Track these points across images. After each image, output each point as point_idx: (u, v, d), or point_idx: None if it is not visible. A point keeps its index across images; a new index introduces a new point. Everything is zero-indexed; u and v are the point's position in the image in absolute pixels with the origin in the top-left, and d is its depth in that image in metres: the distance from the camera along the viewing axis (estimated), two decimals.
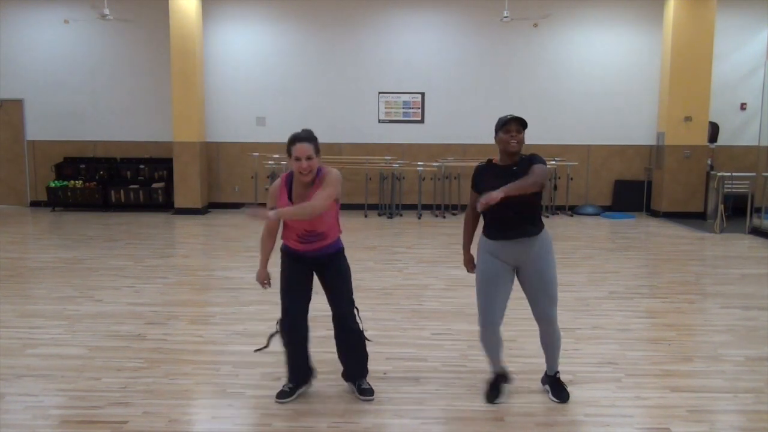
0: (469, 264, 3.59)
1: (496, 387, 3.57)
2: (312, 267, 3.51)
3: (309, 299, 3.57)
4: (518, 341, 4.44)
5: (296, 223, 3.35)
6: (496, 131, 3.38)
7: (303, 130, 3.39)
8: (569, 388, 3.64)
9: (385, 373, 3.87)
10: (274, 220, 3.29)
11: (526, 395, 3.60)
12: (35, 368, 3.93)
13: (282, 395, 3.51)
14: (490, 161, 3.48)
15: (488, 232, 3.41)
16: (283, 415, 3.35)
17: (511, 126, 3.32)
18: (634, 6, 10.98)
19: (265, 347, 3.72)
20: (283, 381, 3.71)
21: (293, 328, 3.52)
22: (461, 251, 3.65)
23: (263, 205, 10.34)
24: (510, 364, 4.02)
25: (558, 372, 3.62)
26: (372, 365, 3.94)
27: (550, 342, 3.53)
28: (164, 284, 6.09)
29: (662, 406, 3.49)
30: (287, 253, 3.51)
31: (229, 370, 3.91)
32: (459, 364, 4.05)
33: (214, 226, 9.76)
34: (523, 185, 3.14)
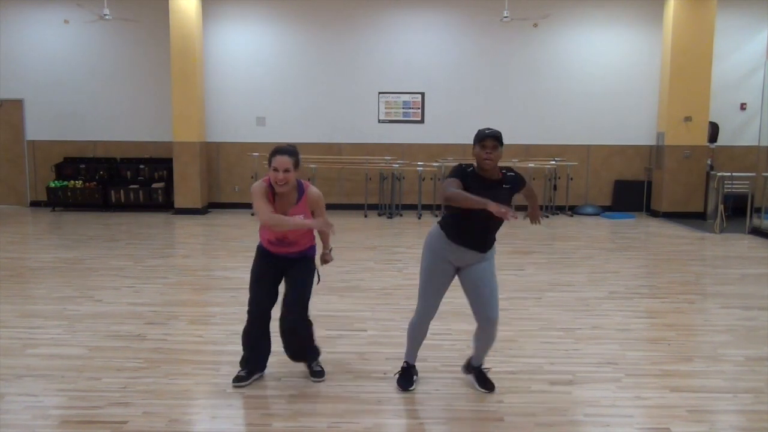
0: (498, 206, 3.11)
1: (409, 376, 3.68)
2: (279, 266, 3.68)
3: (275, 295, 3.71)
4: (518, 341, 4.44)
5: (269, 231, 3.56)
6: (474, 143, 3.34)
7: (287, 145, 3.54)
8: (567, 387, 3.64)
9: (385, 373, 3.87)
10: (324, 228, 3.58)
11: (526, 395, 3.60)
12: (35, 368, 3.93)
13: (238, 380, 3.68)
14: (474, 169, 3.38)
15: (450, 234, 3.41)
16: (283, 415, 3.35)
17: (487, 143, 3.28)
18: (634, 6, 10.99)
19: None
20: (284, 380, 3.74)
21: (258, 319, 3.70)
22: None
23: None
24: (509, 364, 4.04)
25: (482, 365, 3.71)
26: (372, 365, 3.95)
27: (485, 340, 3.58)
28: (164, 284, 6.09)
29: (662, 406, 3.49)
30: (260, 251, 3.73)
31: (229, 370, 3.91)
32: (459, 364, 4.04)
33: (214, 226, 9.76)
34: (536, 202, 3.68)
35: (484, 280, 3.44)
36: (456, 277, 3.53)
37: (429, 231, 3.56)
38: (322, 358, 3.96)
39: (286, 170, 3.39)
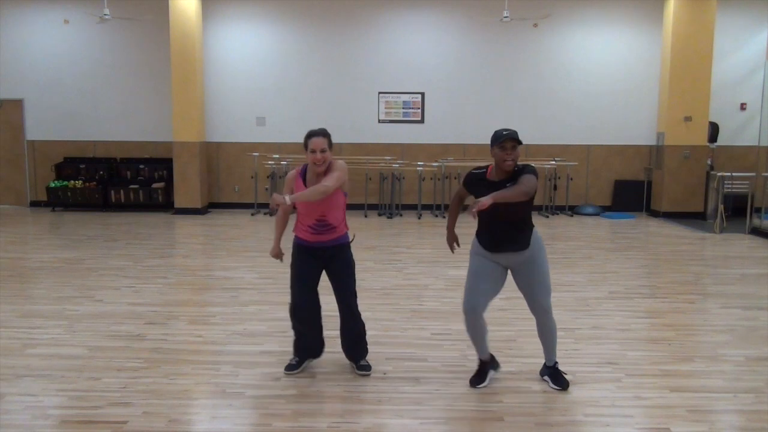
0: (452, 242, 3.77)
1: (482, 373, 3.73)
2: (320, 260, 3.78)
3: (316, 287, 3.84)
4: (517, 341, 4.44)
5: (309, 213, 3.67)
6: (492, 144, 3.40)
7: (318, 128, 3.80)
8: (568, 388, 3.64)
9: (385, 373, 3.87)
10: (288, 205, 3.51)
11: (526, 395, 3.60)
12: (35, 368, 3.93)
13: (290, 368, 3.86)
14: (484, 172, 3.50)
15: (480, 241, 3.59)
16: (283, 415, 3.35)
17: (507, 144, 3.34)
18: (634, 6, 10.99)
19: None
20: (284, 380, 3.75)
21: (302, 315, 3.83)
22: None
23: (266, 205, 10.33)
24: (509, 364, 4.04)
25: (557, 362, 3.73)
26: (372, 365, 3.95)
27: (547, 332, 3.66)
28: (164, 284, 6.09)
29: (662, 406, 3.49)
30: (298, 247, 3.80)
31: (229, 370, 3.91)
32: (459, 364, 4.05)
33: (214, 226, 9.76)
34: (511, 194, 3.25)
35: (533, 280, 3.53)
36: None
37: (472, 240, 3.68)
38: (324, 357, 3.98)
39: (323, 150, 3.63)
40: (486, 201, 3.14)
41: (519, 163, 3.45)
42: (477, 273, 3.56)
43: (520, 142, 3.36)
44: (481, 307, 3.57)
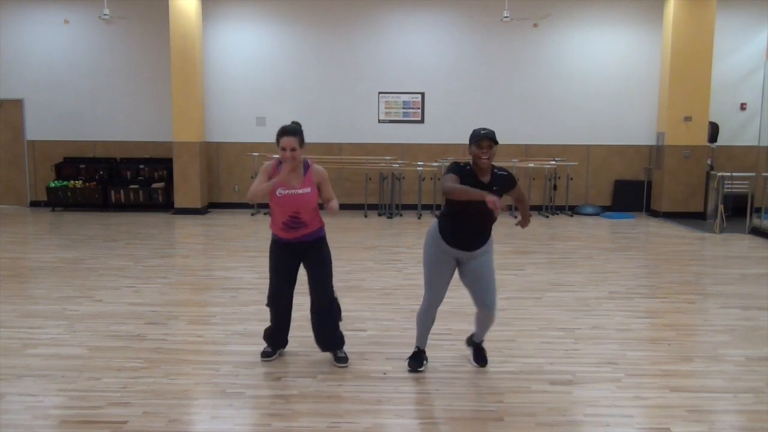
0: (492, 198, 3.25)
1: (419, 358, 3.92)
2: (296, 254, 3.91)
3: (294, 280, 3.97)
4: (517, 341, 4.44)
5: (283, 210, 3.78)
6: (470, 143, 3.54)
7: (292, 122, 3.91)
8: (567, 387, 3.65)
9: (385, 373, 3.87)
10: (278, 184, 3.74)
11: (526, 395, 3.60)
12: (35, 368, 3.93)
13: (266, 355, 4.07)
14: (471, 169, 3.59)
15: (443, 233, 3.67)
16: (282, 415, 3.35)
17: (483, 143, 3.50)
18: (634, 6, 10.99)
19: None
20: (284, 380, 3.76)
21: (279, 303, 3.98)
22: None
23: (266, 205, 10.31)
24: (509, 364, 4.04)
25: (482, 341, 4.02)
26: (372, 365, 3.96)
27: (484, 323, 3.86)
28: (164, 284, 6.09)
29: (662, 406, 3.49)
30: (275, 242, 3.95)
31: (229, 370, 3.91)
32: (459, 364, 4.05)
33: (214, 226, 9.75)
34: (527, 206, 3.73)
35: (481, 273, 3.68)
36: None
37: (429, 226, 3.81)
38: (324, 357, 3.97)
39: (293, 149, 3.73)
40: (502, 204, 3.23)
41: (504, 169, 3.66)
42: (432, 266, 3.72)
43: (496, 142, 3.52)
44: (440, 301, 3.82)
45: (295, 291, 3.99)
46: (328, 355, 4.08)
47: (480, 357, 3.99)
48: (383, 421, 3.31)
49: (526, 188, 10.81)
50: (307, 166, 3.87)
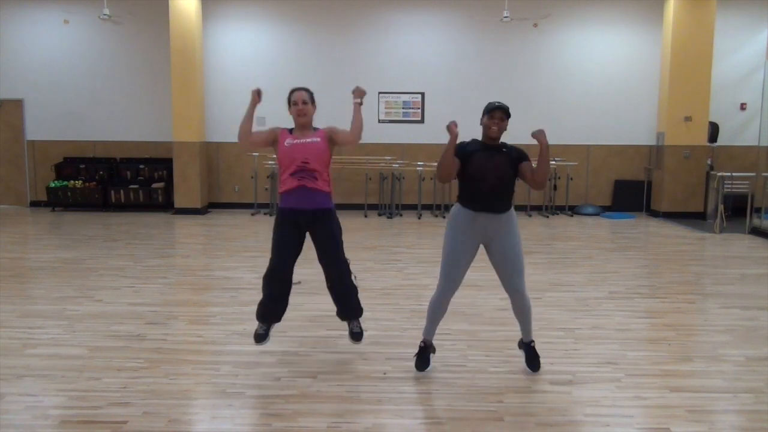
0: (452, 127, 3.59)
1: (425, 356, 3.88)
2: (304, 227, 3.88)
3: (296, 256, 3.93)
4: (517, 341, 4.43)
5: (293, 157, 3.79)
6: (483, 114, 3.67)
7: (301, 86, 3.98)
8: (567, 387, 3.65)
9: (385, 373, 3.87)
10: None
11: (526, 395, 3.60)
12: (35, 368, 3.93)
13: (260, 338, 3.97)
14: (473, 139, 3.74)
15: (464, 201, 3.70)
16: (282, 415, 3.35)
17: (495, 114, 3.63)
18: (634, 6, 10.99)
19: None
20: (284, 380, 3.74)
21: (278, 282, 3.90)
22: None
23: (266, 205, 10.24)
24: (509, 364, 4.04)
25: (533, 341, 3.91)
26: (372, 365, 3.95)
27: (521, 311, 3.80)
28: (164, 284, 6.09)
29: (662, 406, 3.49)
30: (281, 212, 3.90)
31: (229, 370, 3.91)
32: (459, 364, 4.05)
33: (214, 226, 9.76)
34: (548, 158, 3.66)
35: (508, 255, 3.66)
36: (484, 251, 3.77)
37: (451, 209, 3.82)
38: (324, 357, 3.97)
39: (304, 102, 3.84)
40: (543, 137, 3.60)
41: (514, 144, 3.75)
42: (454, 255, 3.67)
43: (509, 115, 3.64)
44: (456, 288, 3.77)
45: (293, 291, 3.98)
46: (328, 355, 4.08)
47: (533, 361, 3.86)
48: (383, 421, 3.31)
49: (527, 189, 10.80)
50: (317, 130, 3.94)
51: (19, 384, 3.70)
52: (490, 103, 3.66)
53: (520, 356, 4.13)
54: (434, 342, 3.97)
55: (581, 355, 4.24)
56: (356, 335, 4.05)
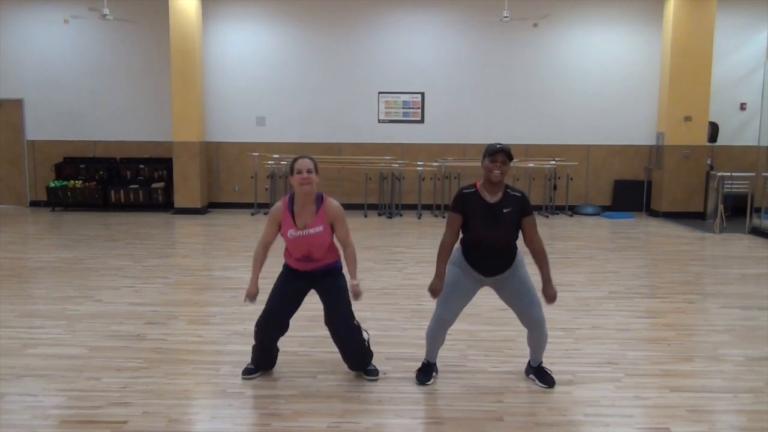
0: (438, 291, 3.54)
1: (428, 371, 3.78)
2: (308, 283, 3.75)
3: (295, 307, 3.78)
4: (517, 341, 4.43)
5: (296, 249, 3.65)
6: (484, 157, 3.49)
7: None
8: (567, 387, 3.65)
9: (385, 373, 3.87)
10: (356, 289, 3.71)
11: (526, 395, 3.60)
12: (35, 368, 3.93)
13: (247, 372, 3.82)
14: (475, 188, 3.53)
15: (467, 257, 3.56)
16: (282, 415, 3.35)
17: (498, 157, 3.44)
18: (634, 6, 10.99)
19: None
20: (284, 380, 3.75)
21: (271, 330, 3.74)
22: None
23: (266, 205, 10.25)
24: (509, 364, 4.04)
25: (542, 362, 3.78)
26: (378, 368, 3.92)
27: (539, 341, 3.69)
28: (164, 284, 6.09)
29: (662, 406, 3.49)
30: (286, 269, 3.80)
31: (229, 370, 3.91)
32: (459, 364, 4.05)
33: (214, 226, 9.76)
34: (548, 265, 3.56)
35: (520, 293, 3.57)
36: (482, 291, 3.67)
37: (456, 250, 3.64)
38: (323, 357, 3.97)
39: (309, 171, 3.58)
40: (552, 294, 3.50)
41: (519, 190, 3.59)
42: (454, 286, 3.57)
43: (511, 158, 3.48)
44: (452, 322, 3.67)
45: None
46: (328, 355, 4.08)
47: (546, 378, 3.72)
48: (383, 421, 3.31)
49: (526, 188, 10.81)
50: (320, 201, 3.67)
51: (19, 384, 3.70)
52: (491, 146, 3.48)
53: (520, 356, 4.13)
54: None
55: (581, 355, 4.24)
56: (371, 372, 3.82)
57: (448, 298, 3.59)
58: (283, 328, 3.77)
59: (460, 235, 3.58)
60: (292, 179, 3.60)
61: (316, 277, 3.73)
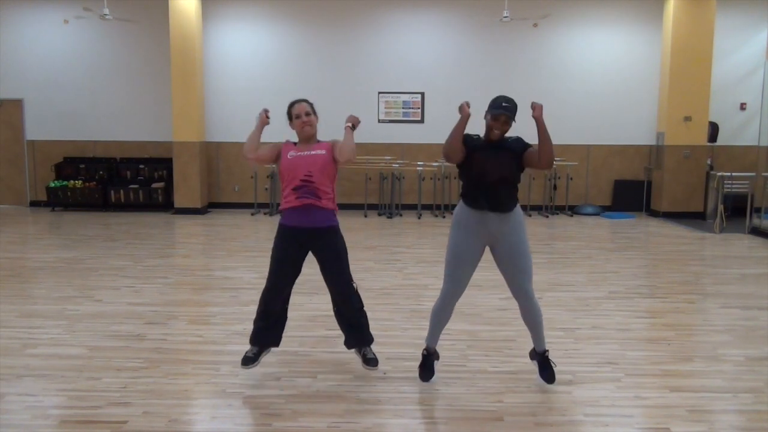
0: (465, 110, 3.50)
1: (429, 365, 3.75)
2: (306, 245, 3.65)
3: (296, 276, 3.72)
4: (517, 341, 4.43)
5: (295, 170, 3.57)
6: (488, 110, 3.53)
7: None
8: (567, 387, 3.65)
9: (385, 373, 3.87)
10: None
11: (526, 395, 3.60)
12: (35, 368, 3.93)
13: (247, 361, 3.68)
14: (477, 136, 3.61)
15: (466, 200, 3.57)
16: (282, 415, 3.35)
17: (500, 117, 3.48)
18: (634, 6, 10.99)
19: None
20: (284, 380, 3.74)
21: (274, 299, 3.68)
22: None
23: (266, 205, 10.22)
24: (509, 364, 4.04)
25: (547, 351, 3.72)
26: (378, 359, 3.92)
27: (531, 317, 3.65)
28: (164, 284, 6.09)
29: (662, 406, 3.49)
30: (281, 228, 3.67)
31: (229, 370, 3.91)
32: (459, 364, 4.05)
33: (214, 226, 9.76)
34: (549, 139, 3.56)
35: (513, 256, 3.53)
36: (490, 254, 3.65)
37: (454, 211, 3.68)
38: (323, 357, 3.96)
39: (307, 113, 3.65)
40: (539, 109, 3.47)
41: (512, 135, 3.63)
42: (458, 256, 3.55)
43: (514, 119, 3.53)
44: (461, 293, 3.65)
45: (293, 291, 3.95)
46: (328, 355, 4.08)
47: (547, 372, 3.67)
48: (383, 421, 3.31)
49: (526, 188, 10.81)
50: (321, 142, 3.75)
51: (19, 384, 3.70)
52: (495, 101, 3.50)
53: (520, 356, 4.13)
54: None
55: (581, 355, 4.24)
56: (371, 361, 3.75)
57: (454, 270, 3.57)
58: (286, 301, 3.75)
59: (461, 190, 3.63)
60: (292, 125, 3.65)
61: (313, 238, 3.60)
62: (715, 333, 4.72)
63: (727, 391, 3.68)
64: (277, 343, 3.82)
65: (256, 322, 3.75)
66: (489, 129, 3.50)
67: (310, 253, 3.70)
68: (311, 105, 3.71)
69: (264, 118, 3.77)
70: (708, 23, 10.29)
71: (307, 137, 3.67)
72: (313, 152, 3.61)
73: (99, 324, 4.79)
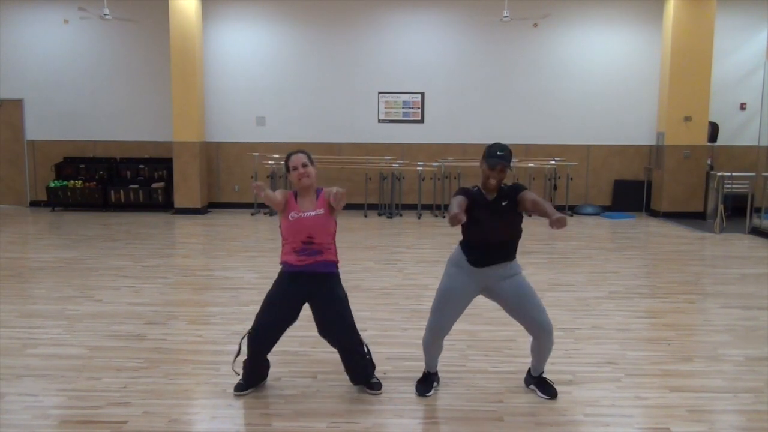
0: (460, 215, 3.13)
1: (428, 382, 3.67)
2: (302, 289, 3.54)
3: (289, 320, 3.57)
4: (517, 341, 4.43)
5: (297, 233, 3.53)
6: (483, 159, 3.41)
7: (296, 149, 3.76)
8: (567, 387, 3.65)
9: (385, 373, 3.87)
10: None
11: (526, 395, 3.60)
12: (35, 368, 3.93)
13: (239, 388, 3.62)
14: (477, 188, 3.47)
15: (468, 256, 3.43)
16: (282, 415, 3.35)
17: (497, 167, 3.36)
18: (634, 6, 10.99)
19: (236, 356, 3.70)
20: (284, 380, 3.75)
21: (262, 345, 3.55)
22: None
23: (266, 205, 10.23)
24: (509, 364, 4.04)
25: (543, 372, 3.65)
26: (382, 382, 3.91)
27: (544, 351, 3.54)
28: (164, 284, 6.09)
29: (662, 406, 3.49)
30: (281, 274, 3.61)
31: (229, 370, 3.90)
32: (459, 364, 4.05)
33: (214, 226, 9.76)
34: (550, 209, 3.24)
35: (520, 296, 3.43)
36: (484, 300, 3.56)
37: (451, 251, 3.56)
38: (323, 357, 3.96)
39: (304, 165, 3.60)
40: (562, 217, 3.02)
41: (508, 183, 3.47)
42: (449, 292, 3.46)
43: (510, 167, 3.42)
44: (447, 331, 3.55)
45: None
46: (328, 355, 4.07)
47: (548, 389, 3.59)
48: (383, 421, 3.31)
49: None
50: (319, 191, 3.67)
51: (19, 384, 3.70)
52: (491, 150, 3.38)
53: (520, 356, 4.13)
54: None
55: (581, 355, 4.24)
56: (374, 385, 3.66)
57: (443, 306, 3.48)
58: (274, 342, 3.59)
59: (460, 238, 3.51)
60: (290, 176, 3.62)
61: (313, 284, 3.53)
62: (715, 333, 4.72)
63: (727, 391, 3.68)
64: (263, 379, 3.76)
65: (247, 362, 3.62)
66: (485, 179, 3.40)
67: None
68: (308, 156, 3.65)
69: (259, 190, 3.45)
70: (708, 23, 10.29)
71: (305, 188, 3.62)
72: (313, 213, 3.57)
73: (99, 324, 4.79)
